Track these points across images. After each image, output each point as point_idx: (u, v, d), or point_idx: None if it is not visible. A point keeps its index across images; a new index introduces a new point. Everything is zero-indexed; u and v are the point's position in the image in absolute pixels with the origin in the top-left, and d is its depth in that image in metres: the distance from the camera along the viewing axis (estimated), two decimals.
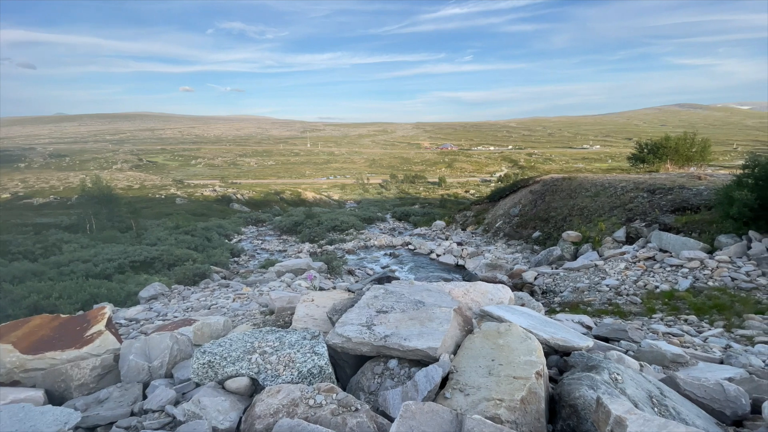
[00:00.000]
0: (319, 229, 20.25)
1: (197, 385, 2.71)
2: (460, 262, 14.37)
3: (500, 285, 4.46)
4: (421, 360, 2.68)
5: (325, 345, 2.73)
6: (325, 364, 2.53)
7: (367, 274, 12.28)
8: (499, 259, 14.04)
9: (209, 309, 7.03)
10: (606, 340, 4.78)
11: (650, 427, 1.59)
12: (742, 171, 9.71)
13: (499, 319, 3.39)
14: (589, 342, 3.11)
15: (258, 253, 17.28)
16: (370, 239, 18.16)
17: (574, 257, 12.44)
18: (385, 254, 15.85)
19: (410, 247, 16.82)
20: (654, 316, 7.22)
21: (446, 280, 12.42)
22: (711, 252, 9.14)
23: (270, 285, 8.59)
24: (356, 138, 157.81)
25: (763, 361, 3.94)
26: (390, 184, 61.14)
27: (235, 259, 15.73)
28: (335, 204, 40.48)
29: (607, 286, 9.48)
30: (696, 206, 11.55)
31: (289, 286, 8.41)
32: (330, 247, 16.72)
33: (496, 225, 19.75)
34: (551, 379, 2.81)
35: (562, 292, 10.21)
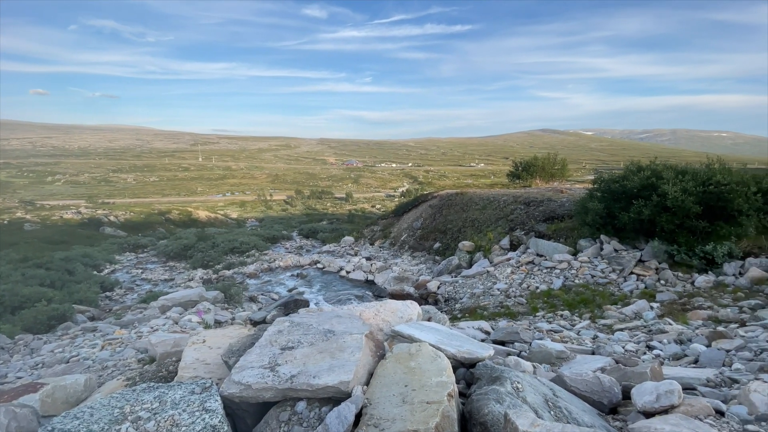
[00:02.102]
0: (214, 252, 18.38)
1: None
2: (370, 277, 14.46)
3: (409, 301, 4.52)
4: (333, 397, 2.48)
5: (218, 398, 2.34)
6: (219, 422, 2.15)
7: (272, 299, 11.47)
8: (405, 272, 14.51)
9: (67, 363, 5.69)
10: (503, 342, 5.20)
11: None
12: (592, 186, 11.84)
13: (410, 338, 3.38)
14: (491, 351, 3.29)
15: (138, 285, 14.87)
16: (274, 260, 17.14)
17: (470, 265, 13.53)
18: (292, 275, 15.10)
19: (319, 265, 16.36)
20: (537, 314, 8.18)
21: (358, 297, 12.32)
22: (575, 254, 10.83)
23: (152, 324, 7.34)
24: (256, 152, 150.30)
25: (623, 347, 4.71)
26: (296, 200, 59.35)
27: (107, 294, 13.28)
28: (234, 223, 37.50)
29: (498, 290, 10.49)
30: (561, 215, 13.64)
31: (177, 324, 7.31)
32: (228, 272, 15.25)
33: (402, 238, 20.53)
34: (460, 394, 2.87)
35: (461, 299, 10.96)
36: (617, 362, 3.87)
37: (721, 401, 2.82)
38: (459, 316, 9.45)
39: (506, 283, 10.78)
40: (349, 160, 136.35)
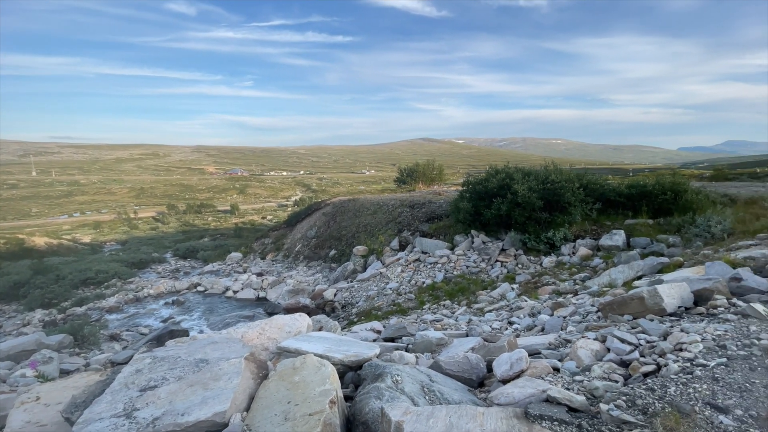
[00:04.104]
0: (59, 287, 14.99)
1: None
2: (262, 294, 13.63)
3: (297, 314, 4.40)
4: (208, 431, 2.26)
5: None
6: None
7: (141, 334, 9.87)
8: (301, 283, 14.11)
9: None
10: (392, 339, 5.46)
11: (421, 421, 1.82)
12: (462, 188, 13.36)
13: (297, 352, 3.29)
14: (377, 350, 3.42)
15: None
16: (143, 288, 14.80)
17: (364, 269, 13.88)
18: (167, 303, 13.26)
19: (200, 288, 14.74)
20: (424, 307, 8.83)
21: (247, 317, 11.49)
22: (452, 249, 12.04)
23: None
24: (113, 163, 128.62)
25: (490, 326, 5.40)
26: (168, 216, 52.48)
27: None
28: (87, 249, 31.27)
29: (390, 289, 11.00)
30: (440, 215, 15.03)
31: (5, 383, 5.73)
32: (80, 309, 12.61)
33: (296, 249, 19.93)
34: (349, 398, 2.91)
35: (358, 303, 11.17)
36: (485, 341, 4.42)
37: (558, 360, 3.45)
38: (355, 320, 9.60)
39: (397, 282, 11.38)
40: (233, 168, 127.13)
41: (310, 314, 7.82)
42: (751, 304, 3.86)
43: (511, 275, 9.38)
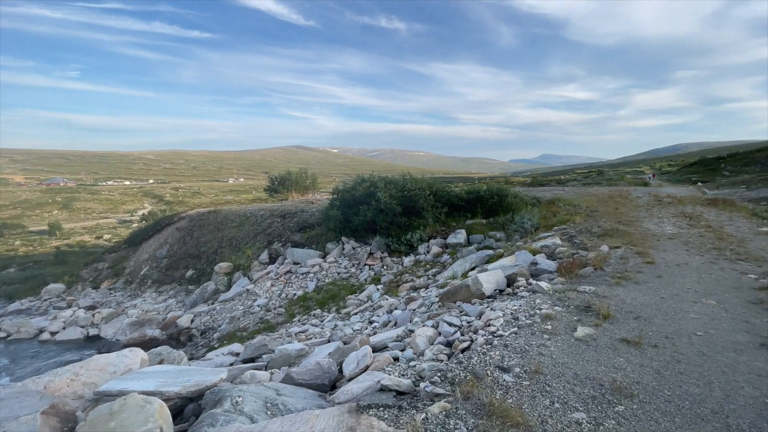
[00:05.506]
0: None
1: None
2: (93, 331, 11.24)
3: (128, 350, 3.82)
4: None
5: None
6: None
7: None
8: (148, 312, 12.18)
9: None
10: (253, 359, 5.20)
11: None
12: (332, 196, 13.63)
13: (120, 394, 2.86)
14: (223, 374, 3.22)
15: None
16: None
17: (229, 287, 12.83)
18: None
19: (1, 333, 11.34)
20: (294, 320, 8.66)
21: (72, 363, 9.32)
22: (324, 257, 12.16)
23: None
24: None
25: (352, 329, 5.65)
26: None
27: None
28: None
29: (258, 306, 10.43)
30: (312, 224, 14.99)
31: None
32: None
33: (142, 272, 17.11)
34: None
35: (220, 327, 10.24)
36: (344, 343, 4.61)
37: (401, 350, 3.84)
38: (216, 345, 8.78)
39: (266, 298, 10.86)
40: (52, 177, 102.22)
41: (157, 346, 6.85)
42: (539, 282, 4.99)
43: (378, 277, 9.98)
